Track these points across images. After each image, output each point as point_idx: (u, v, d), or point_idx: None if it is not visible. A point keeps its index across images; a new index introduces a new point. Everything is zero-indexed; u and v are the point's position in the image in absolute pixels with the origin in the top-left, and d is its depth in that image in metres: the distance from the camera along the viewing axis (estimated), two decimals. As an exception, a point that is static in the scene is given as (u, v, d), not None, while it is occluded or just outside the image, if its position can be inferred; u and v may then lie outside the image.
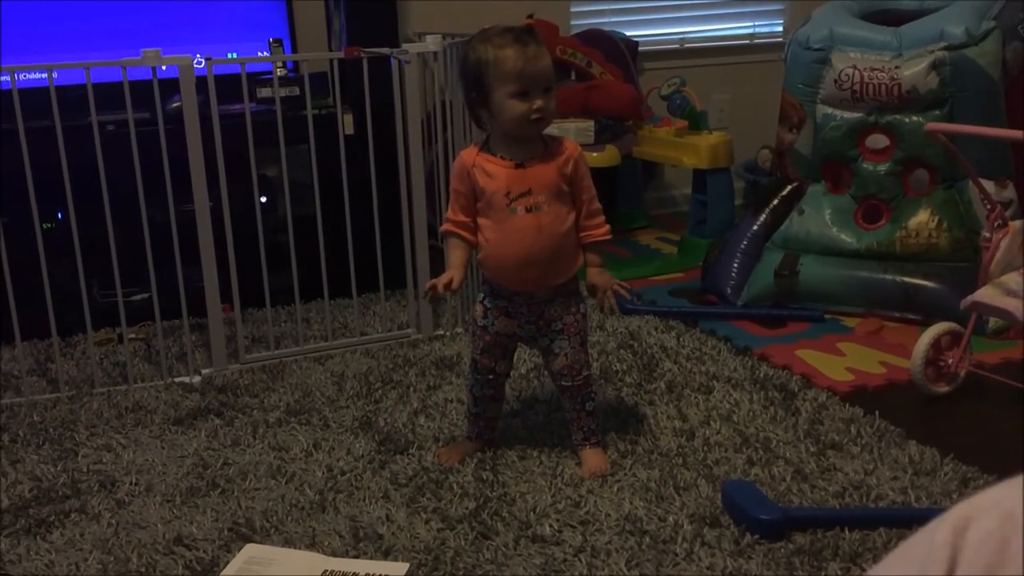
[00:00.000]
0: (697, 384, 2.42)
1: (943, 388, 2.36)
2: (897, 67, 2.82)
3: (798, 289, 2.95)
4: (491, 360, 2.06)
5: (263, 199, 2.87)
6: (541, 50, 1.89)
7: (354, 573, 1.69)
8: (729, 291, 3.03)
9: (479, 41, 1.93)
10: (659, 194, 4.30)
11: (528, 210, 1.93)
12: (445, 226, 2.00)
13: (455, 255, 1.98)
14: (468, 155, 1.98)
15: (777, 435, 2.14)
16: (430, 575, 1.70)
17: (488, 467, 2.04)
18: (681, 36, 4.26)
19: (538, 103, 1.88)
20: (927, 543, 0.56)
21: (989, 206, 2.38)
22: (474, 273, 2.99)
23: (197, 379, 2.57)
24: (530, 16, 3.57)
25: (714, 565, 1.68)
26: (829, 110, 2.96)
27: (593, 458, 2.03)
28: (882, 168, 2.89)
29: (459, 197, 1.98)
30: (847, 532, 1.75)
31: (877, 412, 2.22)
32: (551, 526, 1.81)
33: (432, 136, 2.93)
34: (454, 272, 1.95)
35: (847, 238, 2.93)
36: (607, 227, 2.02)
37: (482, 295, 2.06)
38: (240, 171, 2.60)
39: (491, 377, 2.07)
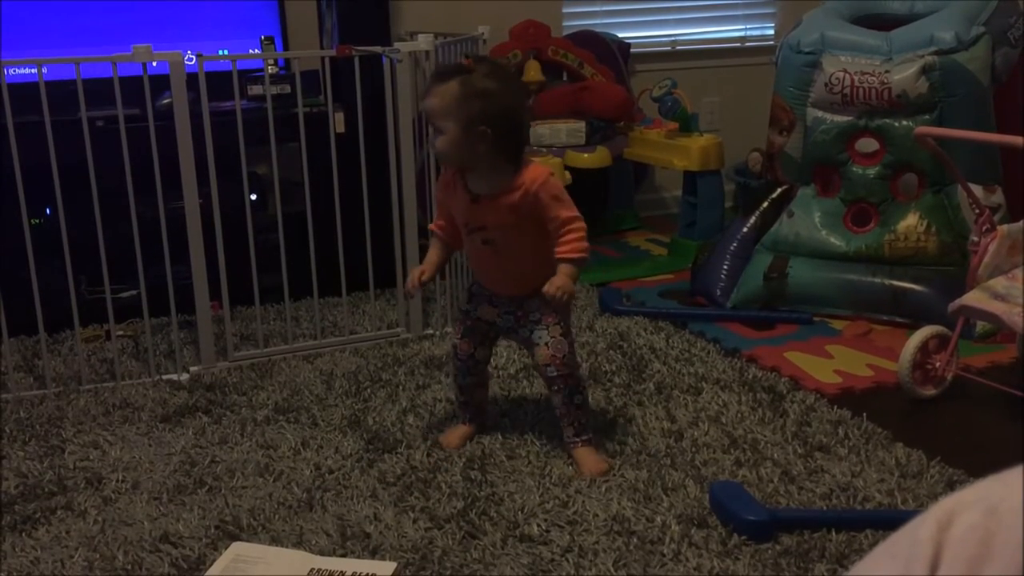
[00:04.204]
0: (686, 385, 2.42)
1: (930, 391, 2.37)
2: (887, 71, 2.83)
3: (787, 291, 2.96)
4: (470, 345, 2.13)
5: (253, 197, 2.86)
6: (438, 88, 1.92)
7: (341, 572, 1.69)
8: (718, 293, 3.04)
9: None
10: (649, 196, 4.30)
11: (484, 243, 2.03)
12: (430, 225, 2.15)
13: (431, 253, 2.13)
14: (448, 175, 2.07)
15: (765, 437, 2.14)
16: (417, 574, 1.69)
17: (476, 466, 2.04)
18: (673, 38, 4.27)
19: (433, 141, 1.97)
20: (911, 538, 0.56)
21: (977, 210, 2.39)
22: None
23: (185, 376, 2.57)
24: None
25: (701, 566, 1.68)
26: (819, 113, 2.97)
27: (589, 458, 2.03)
28: (871, 172, 2.90)
29: (441, 207, 2.12)
30: (834, 534, 1.76)
31: (864, 414, 2.23)
32: (539, 526, 1.81)
33: (423, 135, 2.92)
34: (424, 266, 2.10)
35: (836, 241, 2.94)
36: (580, 245, 1.96)
37: (472, 283, 2.15)
38: (230, 168, 2.59)
39: (471, 363, 2.14)
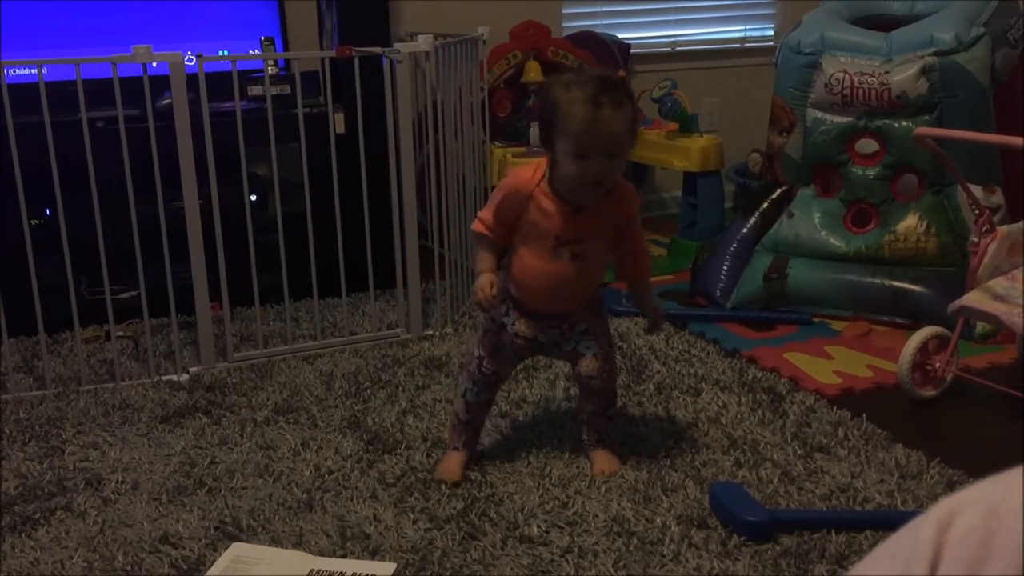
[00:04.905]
0: (686, 386, 2.42)
1: (930, 392, 2.37)
2: (887, 72, 2.83)
3: (787, 292, 2.96)
4: (497, 363, 2.01)
5: (253, 197, 2.86)
6: (617, 114, 1.76)
7: (341, 573, 1.69)
8: (718, 294, 3.04)
9: (562, 83, 1.82)
10: (649, 196, 4.30)
11: (574, 257, 1.90)
12: (479, 227, 1.93)
13: (488, 258, 1.93)
14: (527, 182, 1.88)
15: (765, 437, 2.14)
16: (417, 575, 1.69)
17: (476, 467, 2.03)
18: (673, 39, 4.27)
19: (595, 169, 1.78)
20: (911, 539, 0.56)
21: (977, 211, 2.39)
22: (461, 272, 2.99)
23: (185, 377, 2.57)
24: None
25: (701, 567, 1.68)
26: (819, 114, 2.97)
27: (604, 458, 2.03)
28: (871, 172, 2.90)
29: (503, 216, 1.91)
30: (834, 534, 1.76)
31: (864, 415, 2.23)
32: (539, 527, 1.81)
33: (423, 136, 2.93)
34: (491, 276, 1.90)
35: (836, 242, 2.94)
36: (650, 263, 2.11)
37: (504, 297, 1.97)
38: (230, 169, 2.59)
39: (493, 379, 2.03)
